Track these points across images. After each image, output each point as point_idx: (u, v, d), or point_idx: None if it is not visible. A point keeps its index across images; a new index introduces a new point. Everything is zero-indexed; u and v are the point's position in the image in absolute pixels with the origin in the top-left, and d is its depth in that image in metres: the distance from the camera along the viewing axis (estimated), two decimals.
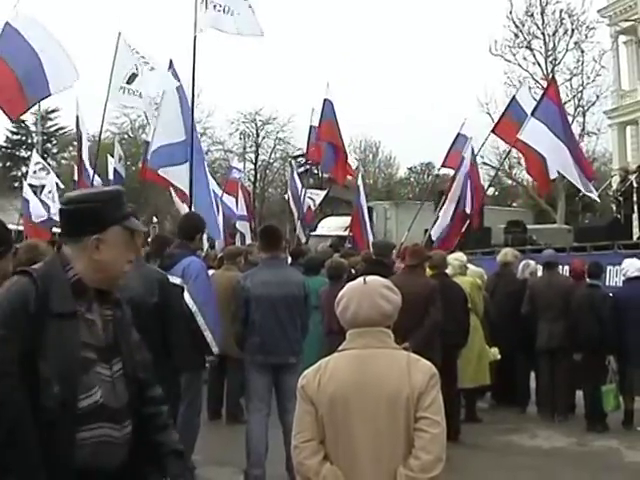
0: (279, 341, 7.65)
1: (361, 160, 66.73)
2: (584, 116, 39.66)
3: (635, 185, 20.14)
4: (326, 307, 9.28)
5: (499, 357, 11.11)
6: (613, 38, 44.47)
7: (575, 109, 39.31)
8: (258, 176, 64.60)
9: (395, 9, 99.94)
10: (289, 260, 12.61)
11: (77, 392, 3.05)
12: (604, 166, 48.32)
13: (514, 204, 52.13)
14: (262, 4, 14.75)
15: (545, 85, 38.14)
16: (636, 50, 28.55)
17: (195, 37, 13.25)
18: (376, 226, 29.99)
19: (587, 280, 10.82)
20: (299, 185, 23.58)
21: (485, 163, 41.94)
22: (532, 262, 12.14)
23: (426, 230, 21.97)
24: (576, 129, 39.06)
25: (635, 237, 19.57)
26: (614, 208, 21.97)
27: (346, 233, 34.41)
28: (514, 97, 15.40)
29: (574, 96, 39.22)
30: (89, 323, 3.18)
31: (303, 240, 22.20)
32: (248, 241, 21.02)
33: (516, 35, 39.06)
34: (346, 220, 34.02)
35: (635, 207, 20.45)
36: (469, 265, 11.47)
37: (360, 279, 3.81)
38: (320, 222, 36.11)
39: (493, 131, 15.82)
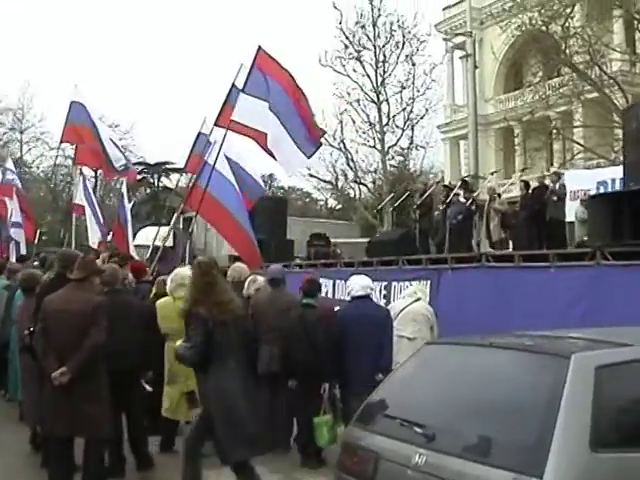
0: None
1: None
2: (412, 129, 39.39)
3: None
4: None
5: None
6: (449, 53, 44.69)
7: (405, 122, 39.02)
8: (99, 184, 62.79)
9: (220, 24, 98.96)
10: None
11: None
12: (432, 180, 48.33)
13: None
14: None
15: (375, 97, 38.72)
16: (470, 65, 28.50)
17: None
18: (195, 237, 28.68)
19: (303, 300, 9.75)
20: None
21: (312, 175, 41.50)
22: (260, 277, 10.96)
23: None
24: (405, 142, 38.95)
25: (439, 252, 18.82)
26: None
27: (167, 244, 33.30)
28: (233, 83, 14.16)
29: (404, 109, 38.93)
30: None
31: None
32: (23, 251, 19.66)
33: (346, 46, 38.50)
34: (165, 230, 32.96)
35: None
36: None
37: None
38: (139, 232, 34.78)
39: (216, 124, 14.46)
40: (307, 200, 69.00)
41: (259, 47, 13.70)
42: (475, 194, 19.87)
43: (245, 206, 13.98)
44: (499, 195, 20.03)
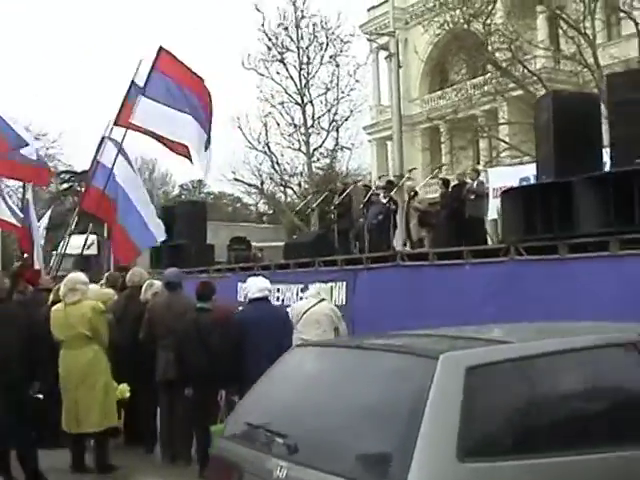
0: None
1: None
2: (337, 131, 39.11)
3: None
4: None
5: (128, 395, 9.62)
6: (373, 53, 44.57)
7: (330, 124, 38.77)
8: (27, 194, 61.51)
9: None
10: None
11: None
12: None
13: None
14: None
15: (299, 100, 38.39)
16: (394, 65, 28.23)
17: None
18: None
19: (197, 304, 9.25)
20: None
21: (237, 179, 41.03)
22: (157, 282, 10.49)
23: None
24: (330, 144, 38.64)
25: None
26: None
27: (89, 251, 32.58)
28: (133, 80, 13.59)
29: (328, 110, 38.65)
30: None
31: None
32: None
33: (269, 48, 38.10)
34: (90, 238, 32.26)
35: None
36: (92, 286, 9.94)
37: None
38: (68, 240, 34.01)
39: (116, 123, 13.91)
40: (238, 205, 68.46)
41: (160, 47, 13.13)
42: (393, 193, 19.52)
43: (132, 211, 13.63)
44: (416, 193, 19.74)
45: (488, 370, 4.02)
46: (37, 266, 15.03)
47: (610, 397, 4.40)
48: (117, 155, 13.56)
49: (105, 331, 9.30)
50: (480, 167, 31.12)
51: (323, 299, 10.60)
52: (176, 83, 12.98)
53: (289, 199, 43.12)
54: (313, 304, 10.25)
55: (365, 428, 3.91)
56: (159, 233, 14.56)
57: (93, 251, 32.54)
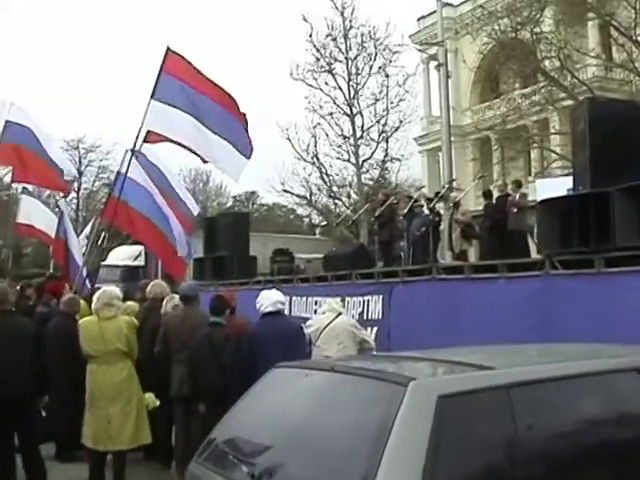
0: None
1: (190, 190, 65.09)
2: (387, 142, 38.72)
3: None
4: None
5: (158, 403, 9.46)
6: (424, 63, 44.16)
7: (379, 135, 38.38)
8: (80, 205, 62.44)
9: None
10: None
11: None
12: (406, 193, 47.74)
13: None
14: None
15: (348, 110, 38.11)
16: (443, 75, 27.85)
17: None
18: None
19: (210, 318, 8.97)
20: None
21: (286, 190, 40.90)
22: (177, 296, 10.28)
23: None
24: (380, 155, 38.31)
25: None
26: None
27: (137, 263, 32.74)
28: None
29: (377, 121, 38.28)
30: None
31: None
32: None
33: (318, 59, 37.86)
34: (137, 249, 32.39)
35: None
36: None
37: None
38: (110, 252, 34.27)
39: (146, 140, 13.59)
40: (292, 217, 68.43)
41: (168, 49, 12.81)
42: (436, 204, 19.16)
43: (174, 218, 13.26)
44: (455, 205, 19.37)
45: (463, 400, 3.63)
46: (74, 279, 14.88)
47: (603, 434, 3.95)
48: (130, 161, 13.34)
49: (136, 347, 9.16)
50: (530, 178, 30.66)
51: (340, 313, 10.31)
52: (190, 85, 12.71)
53: (338, 210, 42.77)
54: (332, 319, 9.97)
55: (329, 458, 3.59)
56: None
57: (140, 262, 32.81)
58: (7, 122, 15.87)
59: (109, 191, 14.03)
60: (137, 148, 13.18)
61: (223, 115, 12.71)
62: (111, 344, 8.83)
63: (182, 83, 12.61)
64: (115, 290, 9.50)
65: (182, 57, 12.82)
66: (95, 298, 9.23)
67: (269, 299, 8.79)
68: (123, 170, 13.05)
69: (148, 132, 12.65)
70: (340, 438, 3.68)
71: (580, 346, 5.18)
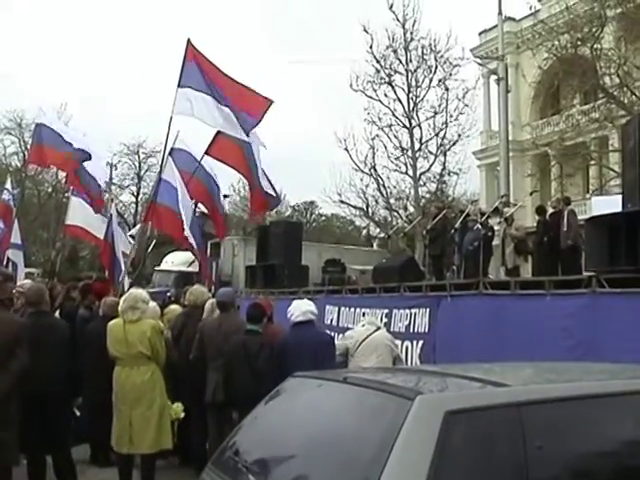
0: None
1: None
2: (445, 155, 38.47)
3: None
4: None
5: (182, 415, 9.42)
6: (484, 77, 43.91)
7: (437, 148, 38.13)
8: (139, 209, 62.68)
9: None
10: None
11: None
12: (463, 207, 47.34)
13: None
14: None
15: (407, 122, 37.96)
16: (502, 90, 27.78)
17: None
18: (222, 262, 28.46)
19: (247, 326, 8.98)
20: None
21: (343, 201, 40.87)
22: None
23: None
24: (438, 168, 38.08)
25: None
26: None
27: (191, 269, 32.95)
28: None
29: (436, 134, 38.03)
30: None
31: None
32: (21, 272, 19.22)
33: (377, 70, 37.75)
34: (191, 255, 32.54)
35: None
36: (151, 303, 9.80)
37: None
38: (165, 257, 34.54)
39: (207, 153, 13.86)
40: (350, 228, 68.35)
41: (188, 40, 13.08)
42: (490, 219, 19.05)
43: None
44: (506, 220, 19.21)
45: (472, 416, 3.51)
46: (117, 281, 15.04)
47: (616, 459, 3.78)
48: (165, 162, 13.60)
49: (163, 351, 9.10)
50: (587, 195, 30.25)
51: (379, 327, 10.29)
52: (202, 67, 12.93)
53: (396, 222, 42.55)
54: (371, 332, 9.95)
55: (332, 472, 3.54)
56: None
57: (195, 268, 33.00)
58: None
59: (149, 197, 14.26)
60: (171, 141, 13.56)
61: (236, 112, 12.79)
62: (134, 347, 8.86)
63: (201, 70, 12.85)
64: (141, 293, 9.54)
65: (200, 52, 13.09)
66: (122, 300, 9.30)
67: (300, 309, 8.82)
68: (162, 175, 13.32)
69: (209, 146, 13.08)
70: (347, 448, 3.63)
71: (611, 366, 5.06)
